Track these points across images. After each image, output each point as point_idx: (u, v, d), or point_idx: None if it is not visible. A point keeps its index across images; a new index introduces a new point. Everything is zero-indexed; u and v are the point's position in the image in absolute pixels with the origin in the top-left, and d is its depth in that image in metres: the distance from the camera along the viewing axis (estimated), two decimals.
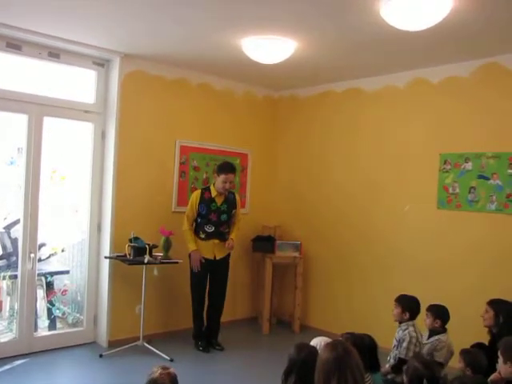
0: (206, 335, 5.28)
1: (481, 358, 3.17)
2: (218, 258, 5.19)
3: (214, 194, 5.11)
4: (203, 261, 5.09)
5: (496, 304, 3.70)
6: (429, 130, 5.05)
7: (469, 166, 4.73)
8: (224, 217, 5.15)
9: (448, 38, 4.12)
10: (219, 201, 5.13)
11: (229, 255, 5.35)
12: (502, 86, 4.55)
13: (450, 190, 4.86)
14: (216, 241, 5.15)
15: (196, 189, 5.52)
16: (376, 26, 3.86)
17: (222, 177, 5.01)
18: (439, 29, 3.73)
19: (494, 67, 4.59)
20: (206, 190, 5.17)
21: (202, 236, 5.14)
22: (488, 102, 4.63)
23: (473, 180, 4.70)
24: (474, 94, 4.73)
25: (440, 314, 3.81)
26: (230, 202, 5.20)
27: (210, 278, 5.26)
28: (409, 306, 3.80)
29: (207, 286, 5.29)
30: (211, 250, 5.16)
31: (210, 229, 5.11)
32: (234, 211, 5.25)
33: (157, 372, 2.46)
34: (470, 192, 4.72)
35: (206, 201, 5.09)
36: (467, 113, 4.77)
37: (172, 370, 2.51)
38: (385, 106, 5.45)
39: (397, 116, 5.34)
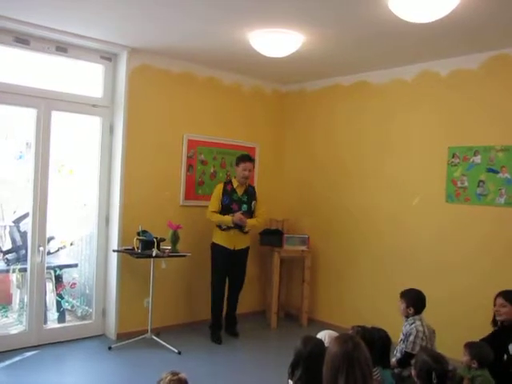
0: (225, 323, 5.50)
1: (487, 351, 3.16)
2: (237, 248, 5.33)
3: (235, 185, 5.36)
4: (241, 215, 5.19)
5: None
6: (437, 122, 5.02)
7: (478, 159, 4.70)
8: (244, 207, 5.32)
9: (457, 30, 4.08)
10: (240, 191, 5.36)
11: (248, 247, 5.48)
12: (511, 78, 4.50)
13: (459, 184, 4.83)
14: (236, 231, 5.28)
15: (203, 183, 5.73)
16: (384, 19, 3.83)
17: (242, 166, 5.29)
18: (448, 21, 3.69)
19: (504, 59, 4.53)
20: (228, 182, 5.43)
21: (223, 227, 5.28)
22: (497, 95, 4.58)
23: (482, 173, 4.67)
24: (484, 87, 4.68)
25: (413, 300, 3.80)
26: (250, 194, 5.43)
27: (229, 269, 5.40)
28: (412, 300, 3.79)
29: (227, 276, 5.42)
30: (231, 240, 5.29)
31: None
32: (254, 202, 5.42)
33: (166, 378, 2.41)
34: (478, 185, 4.68)
35: (228, 192, 5.32)
36: (476, 105, 4.73)
37: (182, 375, 2.46)
38: (392, 99, 5.41)
39: (404, 109, 5.30)
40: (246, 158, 5.36)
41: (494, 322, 3.72)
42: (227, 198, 5.29)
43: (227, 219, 5.19)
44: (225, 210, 5.27)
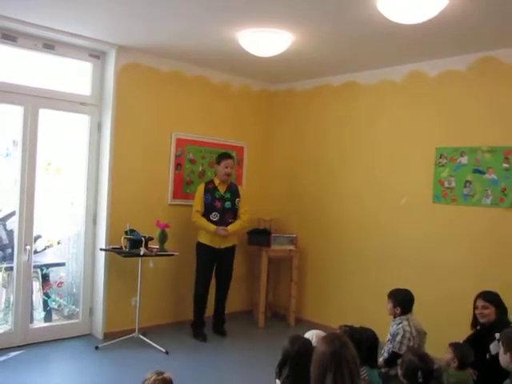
0: (213, 322, 5.52)
1: (469, 353, 3.23)
2: (222, 246, 5.34)
3: (217, 182, 5.38)
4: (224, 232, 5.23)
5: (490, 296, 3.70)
6: (425, 123, 5.05)
7: (464, 160, 4.74)
8: (228, 204, 5.33)
9: (445, 32, 4.11)
10: (222, 189, 5.37)
11: (234, 246, 5.49)
12: (498, 80, 4.54)
13: (446, 184, 4.87)
14: None
15: (192, 182, 5.72)
16: (373, 19, 3.84)
17: (223, 163, 5.33)
18: (436, 22, 3.71)
19: (491, 61, 4.58)
20: (209, 181, 5.43)
21: None
22: (484, 96, 4.63)
23: (468, 174, 4.71)
24: (471, 88, 4.72)
25: (400, 300, 3.81)
26: (233, 191, 5.44)
27: (215, 268, 5.42)
28: (399, 301, 3.80)
29: (212, 276, 5.42)
30: (216, 239, 5.29)
31: (215, 217, 5.27)
32: (237, 200, 5.42)
33: (151, 378, 2.38)
34: (465, 186, 4.72)
35: (210, 190, 5.33)
36: (464, 107, 4.76)
37: (167, 374, 2.43)
38: (381, 99, 5.44)
39: (393, 110, 5.33)
40: (227, 155, 5.41)
41: (474, 324, 3.71)
42: (209, 196, 5.30)
43: (211, 228, 5.19)
44: (208, 208, 5.28)
